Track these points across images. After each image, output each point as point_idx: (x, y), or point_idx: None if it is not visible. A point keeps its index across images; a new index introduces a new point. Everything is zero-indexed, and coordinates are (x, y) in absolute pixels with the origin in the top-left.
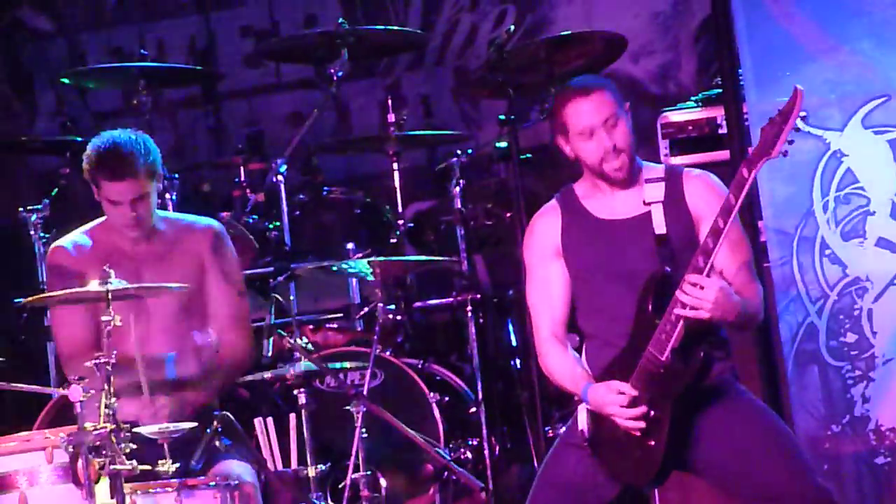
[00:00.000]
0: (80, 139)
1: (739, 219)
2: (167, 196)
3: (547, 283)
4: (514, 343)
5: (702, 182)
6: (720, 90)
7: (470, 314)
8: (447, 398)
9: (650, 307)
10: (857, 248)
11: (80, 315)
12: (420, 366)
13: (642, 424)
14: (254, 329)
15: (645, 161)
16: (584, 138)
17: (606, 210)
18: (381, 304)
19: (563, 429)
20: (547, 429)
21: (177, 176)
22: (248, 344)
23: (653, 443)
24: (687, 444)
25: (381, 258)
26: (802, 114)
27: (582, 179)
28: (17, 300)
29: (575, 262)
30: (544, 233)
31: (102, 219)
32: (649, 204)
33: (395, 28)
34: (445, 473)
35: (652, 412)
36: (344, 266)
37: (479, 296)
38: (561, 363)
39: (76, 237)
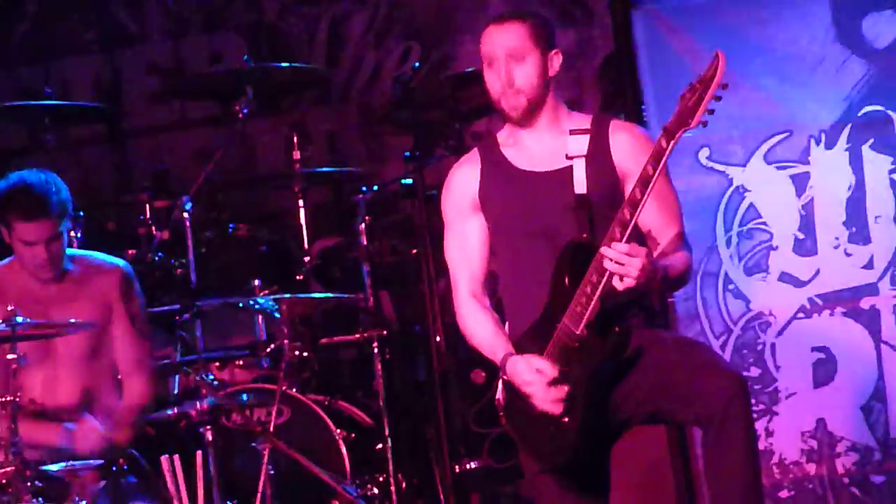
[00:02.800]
0: None
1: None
2: (72, 234)
3: (465, 238)
4: (420, 379)
5: (629, 135)
6: None
7: (376, 350)
8: (353, 434)
9: (566, 276)
10: (760, 283)
11: None
12: (326, 402)
13: (560, 407)
14: (159, 367)
15: (574, 110)
16: (486, 66)
17: (527, 160)
18: (287, 341)
19: None
20: (454, 465)
21: (82, 213)
22: (151, 387)
23: (566, 420)
24: (609, 408)
25: (288, 295)
26: (724, 84)
27: (505, 126)
28: None
29: (492, 215)
30: (462, 184)
31: (10, 259)
32: (571, 158)
33: (300, 65)
34: None
35: (566, 388)
36: (250, 303)
37: (385, 332)
38: (479, 325)
39: None
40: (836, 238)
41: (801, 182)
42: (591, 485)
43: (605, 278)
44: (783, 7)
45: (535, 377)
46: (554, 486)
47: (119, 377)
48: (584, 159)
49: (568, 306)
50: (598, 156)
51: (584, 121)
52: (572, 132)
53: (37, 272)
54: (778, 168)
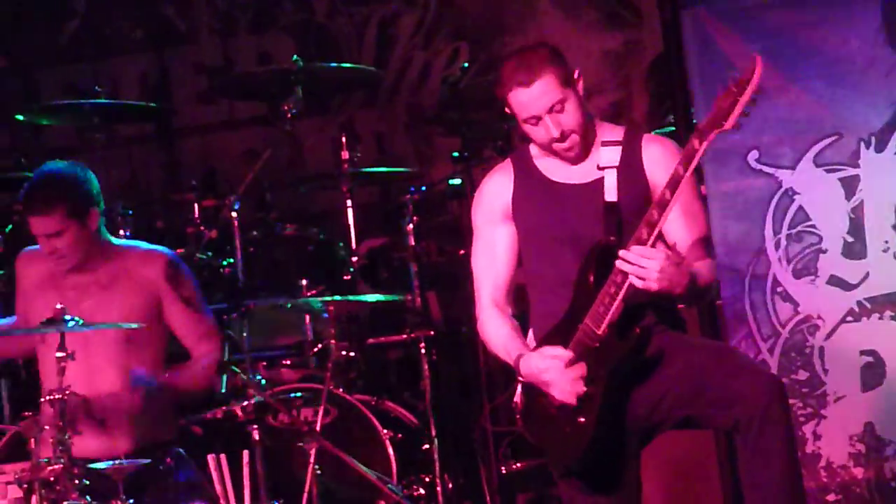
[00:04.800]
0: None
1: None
2: (121, 232)
3: (492, 247)
4: (466, 380)
5: (661, 148)
6: (673, 128)
7: (423, 351)
8: (400, 435)
9: (591, 278)
10: (809, 286)
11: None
12: (373, 402)
13: (578, 391)
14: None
15: (603, 121)
16: (531, 124)
17: (560, 172)
18: (334, 341)
19: None
20: (500, 466)
21: (131, 212)
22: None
23: (583, 419)
24: (629, 409)
25: (336, 297)
26: (757, 92)
27: None
28: None
29: (524, 226)
30: (494, 193)
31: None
32: (603, 169)
33: (349, 65)
34: None
35: (583, 369)
36: (297, 303)
37: (432, 332)
38: (497, 331)
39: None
40: (886, 241)
41: (850, 185)
42: (617, 488)
43: (628, 280)
44: (833, 9)
45: (551, 363)
46: (578, 489)
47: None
48: (615, 170)
49: (591, 307)
50: (630, 166)
51: (617, 132)
52: (604, 143)
53: (51, 263)
54: (827, 171)
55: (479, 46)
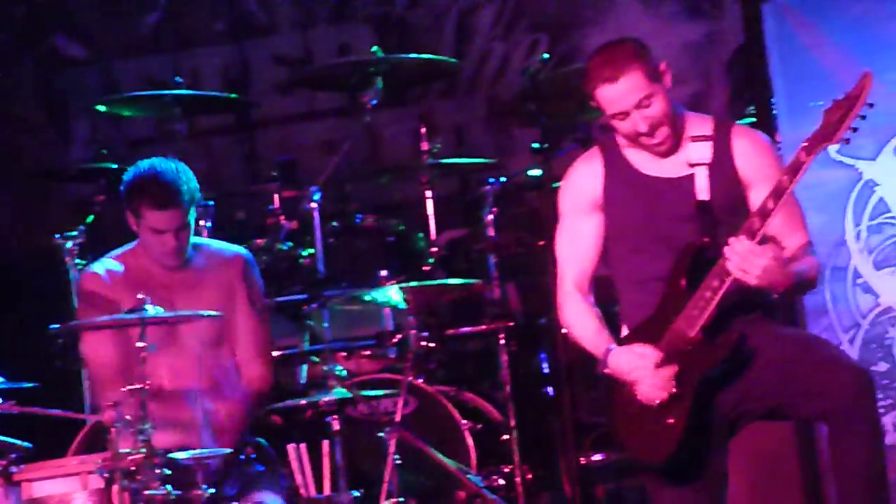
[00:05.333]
0: (114, 167)
1: None
2: (202, 223)
3: (578, 235)
4: (546, 371)
5: (752, 142)
6: (753, 119)
7: (502, 342)
8: (479, 425)
9: (684, 279)
10: (890, 278)
11: (111, 341)
12: (452, 393)
13: (666, 393)
14: (287, 356)
15: (691, 113)
16: (619, 119)
17: (650, 165)
18: (413, 332)
19: None
20: (578, 456)
21: (212, 203)
22: (270, 373)
23: (672, 420)
24: (717, 403)
25: (415, 283)
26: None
27: None
28: (52, 326)
29: (614, 218)
30: (585, 183)
31: (133, 244)
32: (694, 165)
33: (428, 56)
34: (477, 500)
35: (674, 388)
36: (377, 294)
37: (511, 324)
38: (583, 319)
39: (108, 263)
40: None
41: None
42: (704, 481)
43: (725, 283)
44: None
45: (640, 362)
46: (663, 482)
47: (240, 364)
48: (706, 167)
49: (682, 309)
50: (721, 163)
51: (705, 124)
52: (694, 139)
53: (163, 260)
54: None
55: (559, 38)
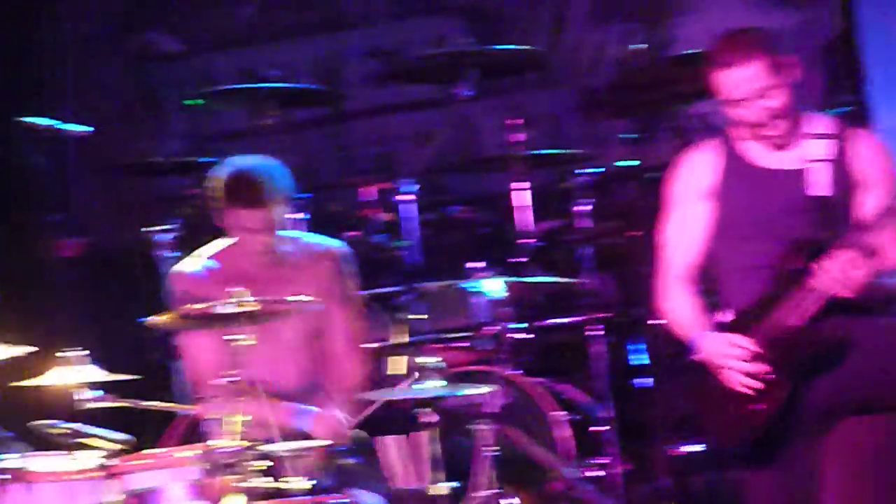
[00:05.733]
0: (208, 160)
1: None
2: (295, 216)
3: (686, 222)
4: (641, 362)
5: (870, 147)
6: (848, 108)
7: (597, 333)
8: (574, 417)
9: (791, 271)
10: None
11: (208, 338)
12: (547, 384)
13: (759, 380)
14: (381, 348)
15: (812, 111)
16: (737, 106)
17: (765, 158)
18: (507, 323)
19: None
20: (673, 448)
21: (305, 196)
22: (365, 367)
23: (760, 407)
24: (810, 395)
25: (510, 278)
26: None
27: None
28: (144, 319)
29: (726, 207)
30: (698, 171)
31: (228, 241)
32: (811, 161)
33: (522, 47)
34: (573, 492)
35: (772, 375)
36: (471, 285)
37: (605, 315)
38: (682, 305)
39: (202, 259)
40: None
41: None
42: (791, 472)
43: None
44: None
45: (734, 350)
46: (751, 472)
47: (335, 360)
48: (823, 163)
49: (785, 299)
50: (838, 162)
51: (824, 123)
52: (812, 136)
53: (253, 257)
54: None
55: (652, 27)
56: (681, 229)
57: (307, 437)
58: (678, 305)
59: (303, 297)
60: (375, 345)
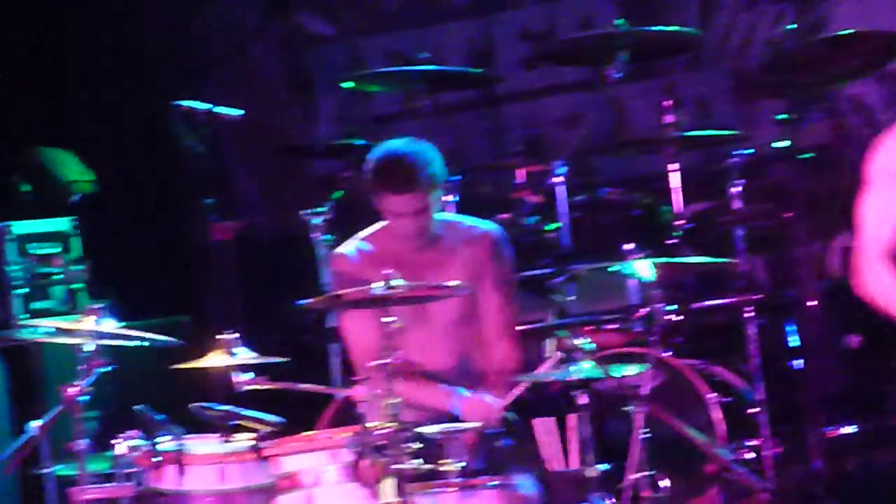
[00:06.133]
0: (360, 143)
1: None
2: (447, 199)
3: (888, 203)
4: (793, 344)
5: None
6: None
7: (750, 315)
8: (727, 399)
9: None
10: None
11: (366, 319)
12: (699, 366)
13: None
14: (531, 330)
15: None
16: None
17: None
18: (659, 305)
19: None
20: (827, 429)
21: (457, 178)
22: (518, 350)
23: None
24: None
25: (663, 259)
26: None
27: None
28: (299, 302)
29: None
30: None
31: (384, 224)
32: None
33: (673, 29)
34: (726, 474)
35: None
36: (623, 267)
37: (758, 296)
38: (884, 283)
39: (359, 243)
40: None
41: None
42: None
43: None
44: None
45: None
46: None
47: (488, 342)
48: None
49: None
50: None
51: None
52: None
53: (405, 241)
54: None
55: (804, 8)
56: (880, 210)
57: (458, 420)
58: (880, 284)
59: (456, 281)
60: (527, 327)
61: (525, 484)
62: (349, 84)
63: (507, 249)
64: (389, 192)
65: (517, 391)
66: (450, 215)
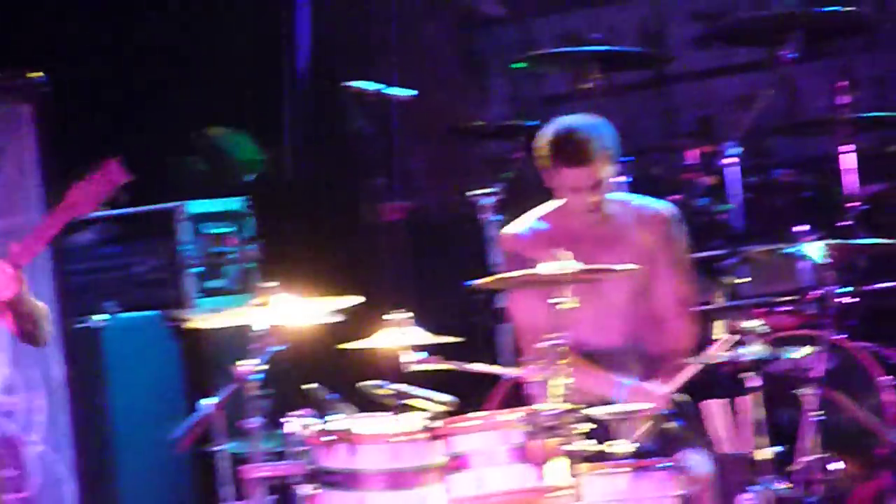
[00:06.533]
0: (531, 124)
1: None
2: (619, 179)
3: None
4: None
5: None
6: None
7: None
8: None
9: None
10: None
11: (536, 299)
12: (872, 349)
13: None
14: (703, 312)
15: None
16: None
17: None
18: (832, 287)
19: None
20: None
21: (629, 159)
22: (692, 330)
23: None
24: None
25: (836, 241)
26: None
27: None
28: (468, 282)
29: None
30: None
31: (558, 202)
32: None
33: (849, 9)
34: None
35: None
36: (795, 249)
37: None
38: None
39: (531, 222)
40: None
41: None
42: None
43: None
44: None
45: None
46: None
47: (661, 322)
48: None
49: None
50: None
51: None
52: None
53: (579, 216)
54: None
55: None
56: None
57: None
58: None
59: (628, 259)
60: (699, 308)
61: (698, 463)
62: (521, 65)
63: (680, 229)
64: (564, 166)
65: (688, 373)
66: (623, 194)
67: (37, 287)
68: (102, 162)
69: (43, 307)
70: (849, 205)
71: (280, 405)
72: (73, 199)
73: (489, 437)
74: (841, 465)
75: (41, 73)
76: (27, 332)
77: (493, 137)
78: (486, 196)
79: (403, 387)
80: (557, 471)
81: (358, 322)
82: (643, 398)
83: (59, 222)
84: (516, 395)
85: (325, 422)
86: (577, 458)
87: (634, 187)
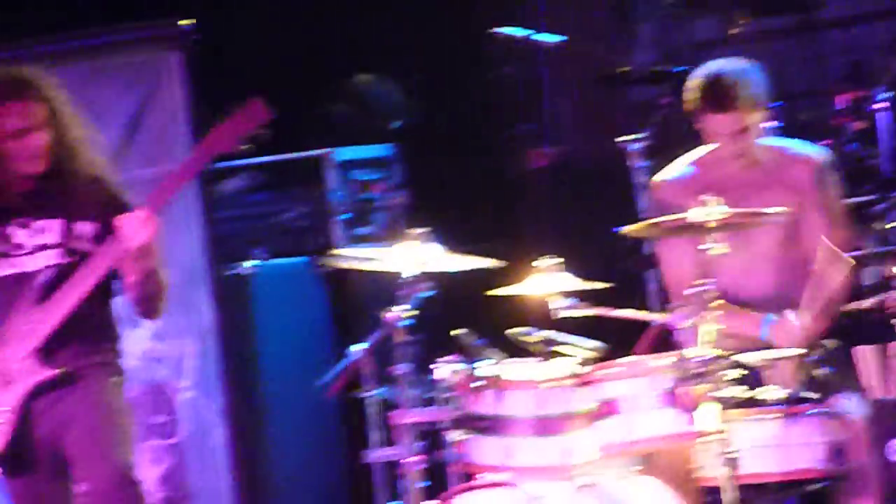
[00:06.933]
0: (679, 69)
1: None
2: (769, 124)
3: None
4: None
5: None
6: None
7: None
8: None
9: None
10: None
11: (685, 246)
12: None
13: None
14: (855, 257)
15: None
16: None
17: None
18: None
19: None
20: None
21: (777, 104)
22: (842, 278)
23: None
24: None
25: None
26: None
27: None
28: (616, 228)
29: None
30: None
31: (709, 147)
32: None
33: None
34: None
35: None
36: None
37: None
38: None
39: (681, 168)
40: None
41: None
42: None
43: None
44: None
45: None
46: None
47: (813, 267)
48: None
49: None
50: None
51: None
52: None
53: (727, 163)
54: None
55: None
56: None
57: (770, 346)
58: None
59: (779, 204)
60: (850, 254)
61: (851, 408)
62: (669, 10)
63: (832, 174)
64: (710, 111)
65: (842, 318)
66: (774, 139)
67: (187, 235)
68: (245, 101)
69: (166, 281)
70: None
71: (429, 351)
72: (214, 138)
73: (638, 383)
74: None
75: (191, 21)
76: (147, 297)
77: (641, 83)
78: (634, 142)
79: (552, 333)
80: (708, 417)
81: (507, 268)
82: (789, 334)
83: (199, 162)
84: (665, 341)
85: (474, 368)
86: (728, 404)
87: (783, 133)
